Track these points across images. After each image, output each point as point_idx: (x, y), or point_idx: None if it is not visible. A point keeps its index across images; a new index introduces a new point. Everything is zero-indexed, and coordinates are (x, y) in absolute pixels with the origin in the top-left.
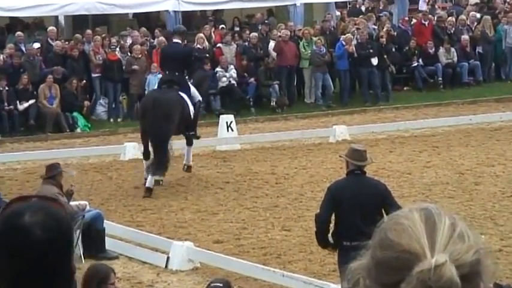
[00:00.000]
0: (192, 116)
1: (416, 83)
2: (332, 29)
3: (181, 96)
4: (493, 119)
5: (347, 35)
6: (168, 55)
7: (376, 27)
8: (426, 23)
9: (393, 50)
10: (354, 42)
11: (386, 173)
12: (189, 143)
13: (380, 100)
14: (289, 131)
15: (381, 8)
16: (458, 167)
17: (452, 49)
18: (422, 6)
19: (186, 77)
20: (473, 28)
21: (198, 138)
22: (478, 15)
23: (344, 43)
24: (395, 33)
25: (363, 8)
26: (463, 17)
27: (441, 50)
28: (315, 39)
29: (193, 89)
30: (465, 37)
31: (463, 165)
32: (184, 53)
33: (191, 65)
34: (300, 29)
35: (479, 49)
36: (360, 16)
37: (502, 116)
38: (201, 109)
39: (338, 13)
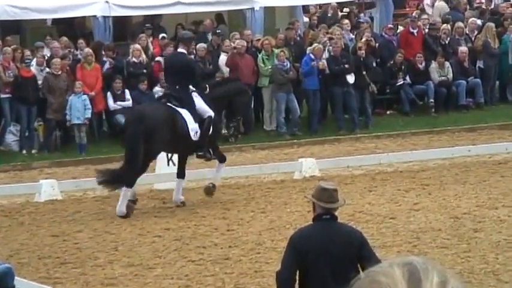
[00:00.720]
0: (191, 135)
1: (402, 106)
2: (298, 38)
3: (175, 113)
4: (496, 150)
5: (316, 46)
6: (171, 67)
7: (353, 36)
8: (415, 31)
9: (374, 65)
10: (326, 55)
11: (364, 217)
12: (221, 161)
13: (357, 127)
14: (245, 166)
15: (360, 13)
16: (453, 210)
17: (447, 64)
18: (428, 10)
19: (193, 91)
20: (473, 38)
21: (208, 159)
22: (480, 22)
23: (313, 56)
24: (376, 44)
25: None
26: (460, 24)
27: (433, 64)
28: (277, 51)
29: (200, 105)
30: (463, 49)
31: (460, 208)
32: (188, 64)
33: (195, 78)
34: (259, 39)
35: (480, 64)
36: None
37: (507, 146)
38: (216, 127)
39: (306, 19)
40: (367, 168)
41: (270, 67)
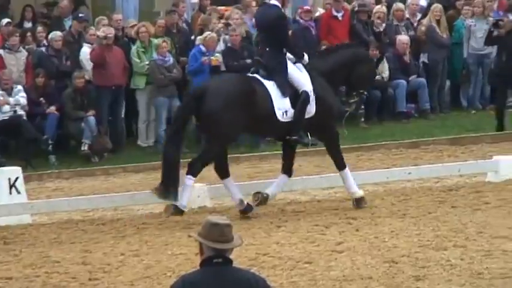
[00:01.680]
0: (277, 115)
1: None
2: (184, 25)
3: (254, 86)
4: (446, 173)
5: (208, 34)
6: (260, 23)
7: None
8: (340, 15)
9: None
10: (221, 46)
11: (270, 261)
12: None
13: (261, 141)
14: (113, 194)
15: None
16: (388, 252)
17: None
18: None
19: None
20: (415, 24)
21: (305, 145)
22: (425, 3)
23: (204, 49)
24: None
25: None
26: (400, 5)
27: None
28: (156, 41)
29: (295, 75)
30: (403, 38)
31: (397, 249)
32: (278, 20)
33: (287, 37)
34: (133, 26)
35: (424, 58)
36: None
37: (460, 167)
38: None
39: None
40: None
41: (147, 63)
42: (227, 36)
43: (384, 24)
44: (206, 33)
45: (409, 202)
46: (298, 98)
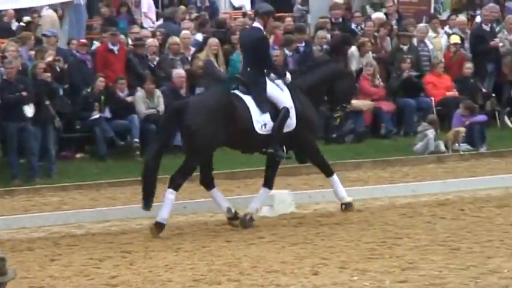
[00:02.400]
0: (256, 128)
1: (97, 147)
2: None
3: (233, 100)
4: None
5: None
6: (243, 44)
7: (33, 53)
8: (116, 48)
9: (62, 92)
10: None
11: None
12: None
13: (37, 174)
14: None
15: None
16: (162, 286)
17: (158, 92)
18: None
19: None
20: (189, 58)
21: (280, 158)
22: (200, 37)
23: None
24: (64, 66)
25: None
26: (176, 39)
27: (139, 93)
28: None
29: (274, 93)
30: (179, 72)
31: (172, 283)
32: (260, 41)
33: (268, 58)
34: None
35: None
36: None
37: (234, 203)
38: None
39: None
40: (48, 229)
41: None
42: (2, 69)
43: (157, 58)
44: None
45: (184, 236)
46: (278, 114)
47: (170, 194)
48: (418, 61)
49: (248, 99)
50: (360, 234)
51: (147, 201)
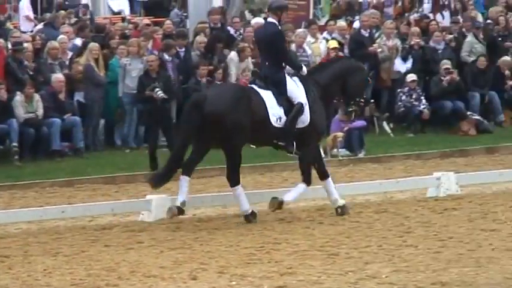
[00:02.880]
0: (271, 120)
1: None
2: None
3: (250, 94)
4: (100, 211)
5: None
6: (259, 40)
7: None
8: None
9: None
10: None
11: None
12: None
13: None
14: None
15: None
16: None
17: (37, 96)
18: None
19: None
20: (67, 62)
21: (290, 152)
22: (79, 42)
23: None
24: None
25: None
26: (54, 43)
27: (18, 97)
28: None
29: (291, 87)
30: (58, 76)
31: (51, 287)
32: (275, 35)
33: (284, 52)
34: None
35: (80, 97)
36: None
37: (113, 206)
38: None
39: None
40: None
41: None
42: None
43: (34, 63)
44: None
45: (63, 240)
46: (292, 108)
47: (236, 190)
48: None
49: (264, 93)
50: (239, 239)
51: (158, 181)
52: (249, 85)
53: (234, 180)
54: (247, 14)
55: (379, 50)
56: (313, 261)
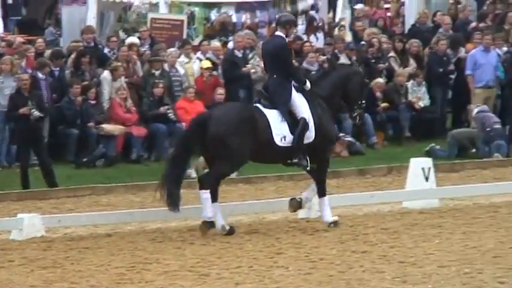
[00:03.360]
0: (275, 140)
1: None
2: None
3: (254, 114)
4: None
5: None
6: (267, 53)
7: None
8: None
9: None
10: None
11: None
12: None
13: None
14: None
15: None
16: None
17: None
18: None
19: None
20: None
21: (304, 167)
22: None
23: None
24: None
25: None
26: None
27: None
28: None
29: (296, 102)
30: None
31: None
32: (282, 48)
33: (291, 65)
34: None
35: None
36: None
37: None
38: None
39: None
40: None
41: None
42: None
43: None
44: None
45: None
46: (296, 125)
47: (204, 193)
48: (171, 86)
49: (269, 113)
50: (110, 259)
51: (174, 201)
52: (254, 105)
53: (208, 184)
54: (121, 33)
55: (253, 70)
56: (184, 282)
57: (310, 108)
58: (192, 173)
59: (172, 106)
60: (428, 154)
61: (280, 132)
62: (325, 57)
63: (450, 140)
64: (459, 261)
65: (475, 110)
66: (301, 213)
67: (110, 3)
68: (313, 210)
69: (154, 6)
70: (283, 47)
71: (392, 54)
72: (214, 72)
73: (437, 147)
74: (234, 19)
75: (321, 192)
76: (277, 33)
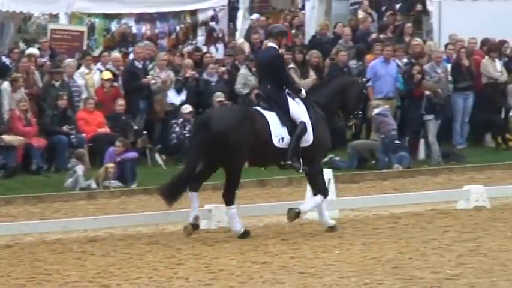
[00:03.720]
0: (274, 141)
1: None
2: None
3: (254, 115)
4: None
5: None
6: (261, 63)
7: None
8: None
9: None
10: None
11: None
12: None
13: None
14: None
15: None
16: None
17: None
18: None
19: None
20: None
21: (297, 170)
22: None
23: None
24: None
25: None
26: None
27: None
28: None
29: (295, 108)
30: None
31: None
32: (276, 58)
33: (285, 74)
34: None
35: None
36: None
37: None
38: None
39: None
40: None
41: None
42: None
43: None
44: None
45: None
46: (295, 128)
47: (231, 209)
48: (71, 97)
49: (268, 115)
50: (10, 270)
51: (174, 196)
52: (254, 107)
53: (230, 199)
54: (22, 44)
55: (153, 81)
56: None
57: (308, 113)
58: (92, 183)
59: (74, 126)
60: (327, 165)
61: (279, 133)
62: (224, 68)
63: (350, 151)
64: (359, 272)
65: (376, 110)
66: (202, 224)
67: (10, 14)
68: (213, 221)
69: (55, 17)
70: (278, 57)
71: (292, 65)
72: (115, 83)
73: (337, 158)
74: (134, 30)
75: (322, 191)
76: (270, 44)
